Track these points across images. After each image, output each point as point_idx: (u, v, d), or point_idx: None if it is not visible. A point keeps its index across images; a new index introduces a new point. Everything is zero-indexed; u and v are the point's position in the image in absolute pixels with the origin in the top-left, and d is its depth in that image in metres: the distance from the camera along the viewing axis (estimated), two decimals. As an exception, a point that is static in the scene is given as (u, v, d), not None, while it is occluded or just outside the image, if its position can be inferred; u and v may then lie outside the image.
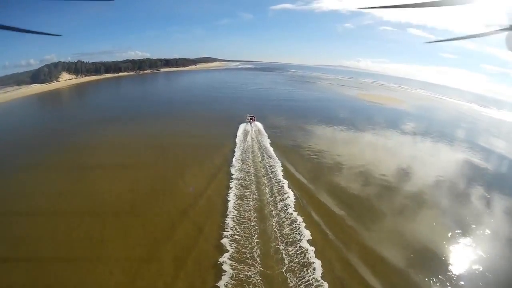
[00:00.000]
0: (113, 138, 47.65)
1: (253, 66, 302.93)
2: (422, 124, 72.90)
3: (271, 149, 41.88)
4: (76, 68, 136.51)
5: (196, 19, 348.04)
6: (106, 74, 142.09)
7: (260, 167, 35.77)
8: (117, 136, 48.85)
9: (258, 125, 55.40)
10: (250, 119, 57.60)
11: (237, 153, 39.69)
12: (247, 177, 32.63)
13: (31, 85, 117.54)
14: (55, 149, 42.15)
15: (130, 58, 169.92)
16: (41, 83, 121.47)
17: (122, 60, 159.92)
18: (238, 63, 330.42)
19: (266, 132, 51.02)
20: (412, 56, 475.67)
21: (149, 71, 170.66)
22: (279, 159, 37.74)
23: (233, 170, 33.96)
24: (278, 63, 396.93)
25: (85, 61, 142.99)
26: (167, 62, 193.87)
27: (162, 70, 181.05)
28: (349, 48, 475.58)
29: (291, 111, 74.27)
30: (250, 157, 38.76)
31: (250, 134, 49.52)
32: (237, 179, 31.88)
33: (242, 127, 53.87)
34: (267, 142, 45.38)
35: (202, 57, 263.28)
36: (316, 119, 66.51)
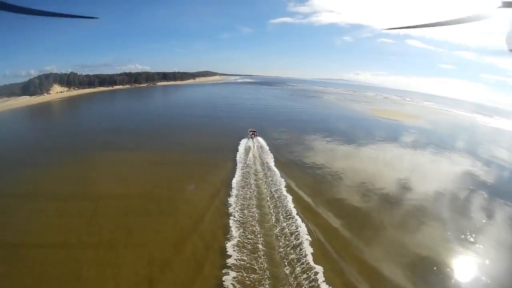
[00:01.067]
0: (101, 159, 41.36)
1: (252, 80, 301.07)
2: (453, 143, 64.40)
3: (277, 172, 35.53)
4: (68, 80, 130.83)
5: (197, 33, 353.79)
6: (100, 87, 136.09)
7: (265, 190, 30.56)
8: (107, 157, 42.59)
9: (260, 141, 50.16)
10: (252, 134, 52.16)
11: (238, 175, 34.03)
12: (249, 205, 27.11)
13: (20, 97, 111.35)
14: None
15: (130, 71, 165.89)
16: (31, 95, 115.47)
17: (119, 73, 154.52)
18: (237, 77, 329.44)
19: (272, 152, 44.01)
20: (411, 68, 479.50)
21: (145, 84, 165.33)
22: (285, 182, 32.43)
23: (231, 199, 28.13)
24: (277, 77, 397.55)
25: (78, 73, 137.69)
26: (165, 76, 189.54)
27: (159, 83, 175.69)
28: (348, 61, 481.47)
29: (302, 130, 64.21)
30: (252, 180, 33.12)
31: (252, 151, 43.92)
32: (237, 207, 26.41)
33: (243, 143, 48.43)
34: (271, 161, 39.40)
35: (201, 71, 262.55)
36: (332, 138, 58.37)
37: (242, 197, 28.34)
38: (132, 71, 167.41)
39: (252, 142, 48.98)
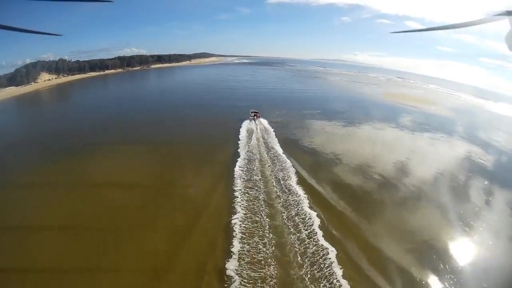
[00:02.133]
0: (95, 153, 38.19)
1: (250, 61, 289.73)
2: (496, 137, 56.03)
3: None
4: (57, 67, 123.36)
5: (195, 14, 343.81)
6: (91, 73, 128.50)
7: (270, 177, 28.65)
8: (95, 156, 39.22)
9: (264, 123, 47.93)
10: (254, 115, 49.59)
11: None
12: (254, 195, 25.20)
13: (7, 88, 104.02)
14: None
15: (124, 55, 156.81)
16: (17, 85, 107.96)
17: (111, 57, 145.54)
18: (234, 58, 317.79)
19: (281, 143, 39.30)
20: (410, 50, 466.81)
21: (139, 68, 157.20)
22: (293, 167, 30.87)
23: (238, 183, 26.87)
24: (275, 57, 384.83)
25: (68, 59, 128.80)
26: (159, 58, 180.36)
27: (153, 66, 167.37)
28: (346, 42, 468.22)
29: (313, 116, 58.29)
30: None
31: (255, 135, 41.25)
32: (243, 196, 24.75)
33: (245, 125, 46.36)
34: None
35: (198, 52, 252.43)
36: (354, 126, 53.32)
37: (247, 191, 25.63)
38: (127, 55, 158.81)
39: (255, 124, 46.06)
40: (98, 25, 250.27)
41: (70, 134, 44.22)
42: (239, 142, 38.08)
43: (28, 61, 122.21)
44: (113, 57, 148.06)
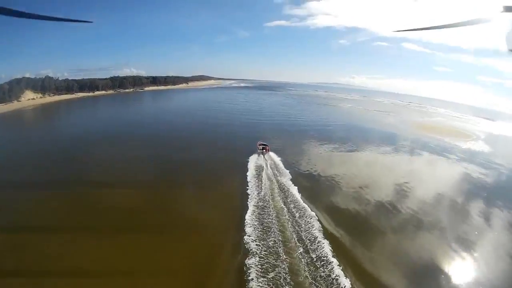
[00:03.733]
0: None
1: (249, 85, 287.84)
2: None
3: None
4: (43, 85, 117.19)
5: (194, 36, 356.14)
6: (79, 93, 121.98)
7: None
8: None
9: (275, 159, 40.04)
10: (263, 149, 42.72)
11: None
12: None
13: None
14: None
15: (118, 75, 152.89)
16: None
17: (102, 77, 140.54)
18: (233, 81, 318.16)
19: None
20: (407, 71, 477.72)
21: (131, 90, 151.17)
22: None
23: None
24: (273, 81, 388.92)
25: (54, 77, 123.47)
26: (154, 80, 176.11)
27: (146, 89, 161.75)
28: (343, 65, 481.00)
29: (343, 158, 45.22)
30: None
31: (266, 172, 34.31)
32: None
33: (252, 161, 38.61)
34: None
35: (196, 75, 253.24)
36: (400, 178, 37.17)
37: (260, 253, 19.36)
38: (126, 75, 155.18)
39: (264, 160, 38.98)
40: (96, 43, 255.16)
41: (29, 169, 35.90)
42: (247, 187, 29.61)
43: (28, 75, 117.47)
44: (107, 77, 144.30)
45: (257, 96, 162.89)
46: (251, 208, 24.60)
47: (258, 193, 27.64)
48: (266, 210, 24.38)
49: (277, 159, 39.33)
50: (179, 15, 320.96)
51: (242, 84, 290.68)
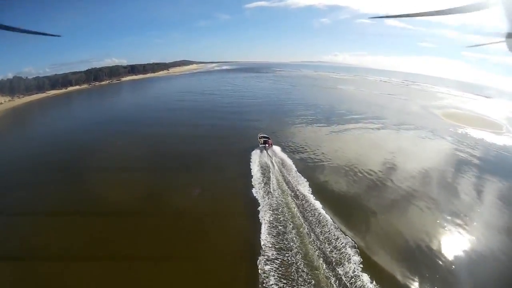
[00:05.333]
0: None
1: (233, 67, 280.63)
2: None
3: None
4: (11, 87, 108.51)
5: (174, 22, 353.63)
6: (51, 91, 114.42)
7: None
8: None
9: (281, 155, 36.27)
10: (264, 142, 38.47)
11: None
12: None
13: None
14: None
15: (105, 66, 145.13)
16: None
17: (73, 71, 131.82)
18: (214, 64, 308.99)
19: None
20: (390, 48, 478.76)
21: (107, 82, 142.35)
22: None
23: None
24: (256, 62, 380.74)
25: (24, 77, 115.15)
26: (132, 69, 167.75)
27: (124, 79, 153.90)
28: (326, 43, 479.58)
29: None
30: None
31: (273, 173, 30.42)
32: None
33: (255, 158, 35.17)
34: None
35: (177, 60, 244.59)
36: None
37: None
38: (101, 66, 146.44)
39: (269, 156, 35.08)
40: (79, 36, 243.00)
41: None
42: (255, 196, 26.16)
43: (10, 75, 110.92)
44: (87, 69, 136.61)
45: (245, 80, 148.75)
46: (263, 237, 20.57)
47: (270, 207, 24.07)
48: (285, 237, 20.55)
49: (289, 162, 34.15)
50: (158, 2, 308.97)
51: (225, 67, 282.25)
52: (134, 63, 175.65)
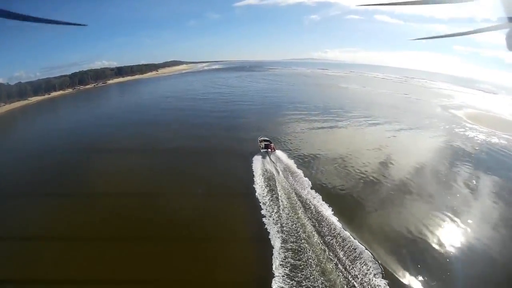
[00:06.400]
0: None
1: (224, 67, 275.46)
2: None
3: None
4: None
5: (164, 23, 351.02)
6: (34, 97, 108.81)
7: None
8: None
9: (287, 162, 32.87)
10: (266, 146, 35.18)
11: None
12: None
13: None
14: None
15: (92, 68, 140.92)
16: None
17: (57, 75, 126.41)
18: (205, 64, 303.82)
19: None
20: (381, 43, 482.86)
21: (92, 85, 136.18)
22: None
23: None
24: (248, 61, 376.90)
25: (5, 83, 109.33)
26: (120, 71, 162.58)
27: (111, 81, 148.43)
28: (316, 40, 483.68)
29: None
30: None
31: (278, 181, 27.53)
32: None
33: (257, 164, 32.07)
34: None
35: (168, 61, 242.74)
36: None
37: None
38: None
39: (272, 162, 31.77)
40: (69, 38, 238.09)
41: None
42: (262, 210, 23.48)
43: (0, 80, 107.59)
44: (75, 71, 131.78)
45: (240, 81, 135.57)
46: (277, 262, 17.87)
47: (279, 225, 21.25)
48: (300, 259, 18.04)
49: (297, 170, 30.97)
50: (148, 2, 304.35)
51: (215, 67, 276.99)
52: (124, 65, 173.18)
